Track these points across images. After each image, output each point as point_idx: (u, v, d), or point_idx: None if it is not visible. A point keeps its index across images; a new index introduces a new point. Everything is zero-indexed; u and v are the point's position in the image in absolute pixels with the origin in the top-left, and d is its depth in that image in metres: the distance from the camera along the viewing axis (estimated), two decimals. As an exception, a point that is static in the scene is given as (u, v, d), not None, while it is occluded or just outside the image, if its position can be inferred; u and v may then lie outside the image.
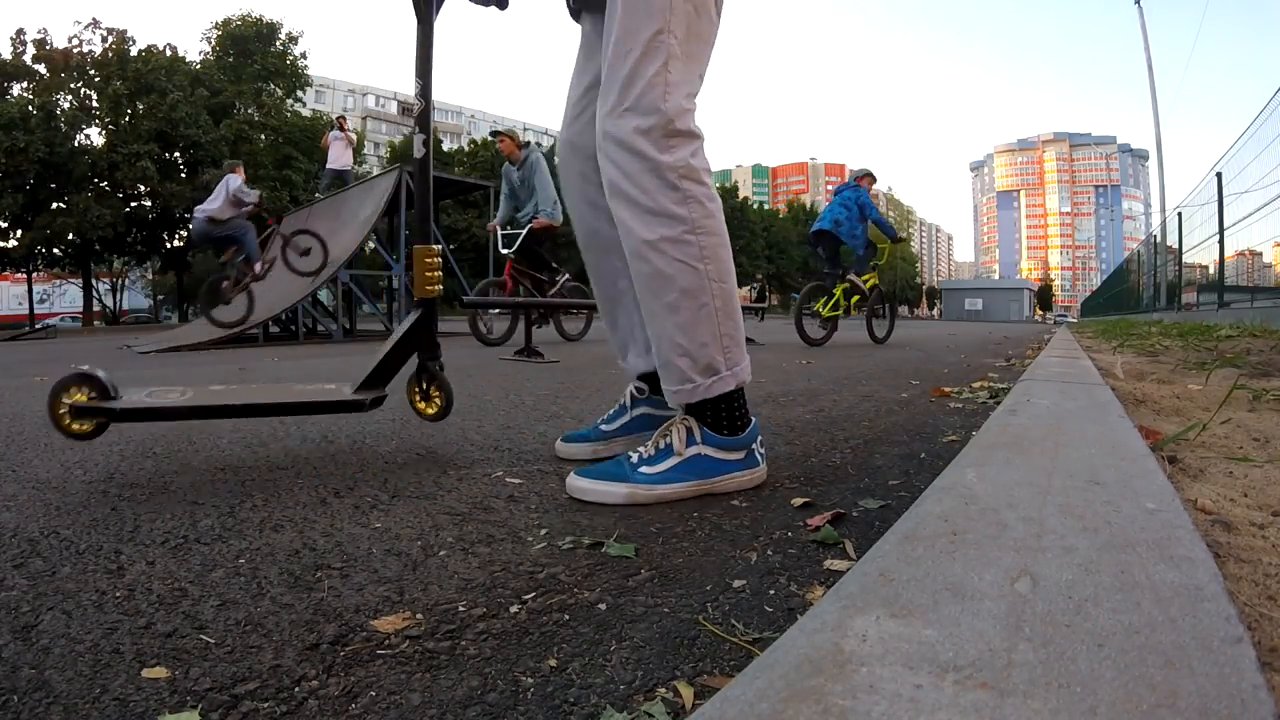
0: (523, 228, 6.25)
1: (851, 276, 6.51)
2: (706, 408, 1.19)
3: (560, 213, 6.11)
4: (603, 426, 1.40)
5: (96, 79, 22.72)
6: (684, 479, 1.17)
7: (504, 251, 6.26)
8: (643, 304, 1.20)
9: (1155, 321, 10.00)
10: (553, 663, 0.66)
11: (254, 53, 25.40)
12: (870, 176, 6.72)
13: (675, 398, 1.20)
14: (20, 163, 20.10)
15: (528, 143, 6.52)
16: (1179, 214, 11.49)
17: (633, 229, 1.14)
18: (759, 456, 1.24)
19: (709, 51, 1.18)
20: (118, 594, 0.82)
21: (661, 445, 1.19)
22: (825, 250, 6.57)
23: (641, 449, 1.21)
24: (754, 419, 1.24)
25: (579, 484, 1.19)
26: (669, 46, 1.08)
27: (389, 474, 1.39)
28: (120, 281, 36.48)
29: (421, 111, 1.37)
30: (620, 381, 3.12)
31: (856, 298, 6.50)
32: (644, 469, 1.17)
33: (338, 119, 11.80)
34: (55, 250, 23.81)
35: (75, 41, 22.93)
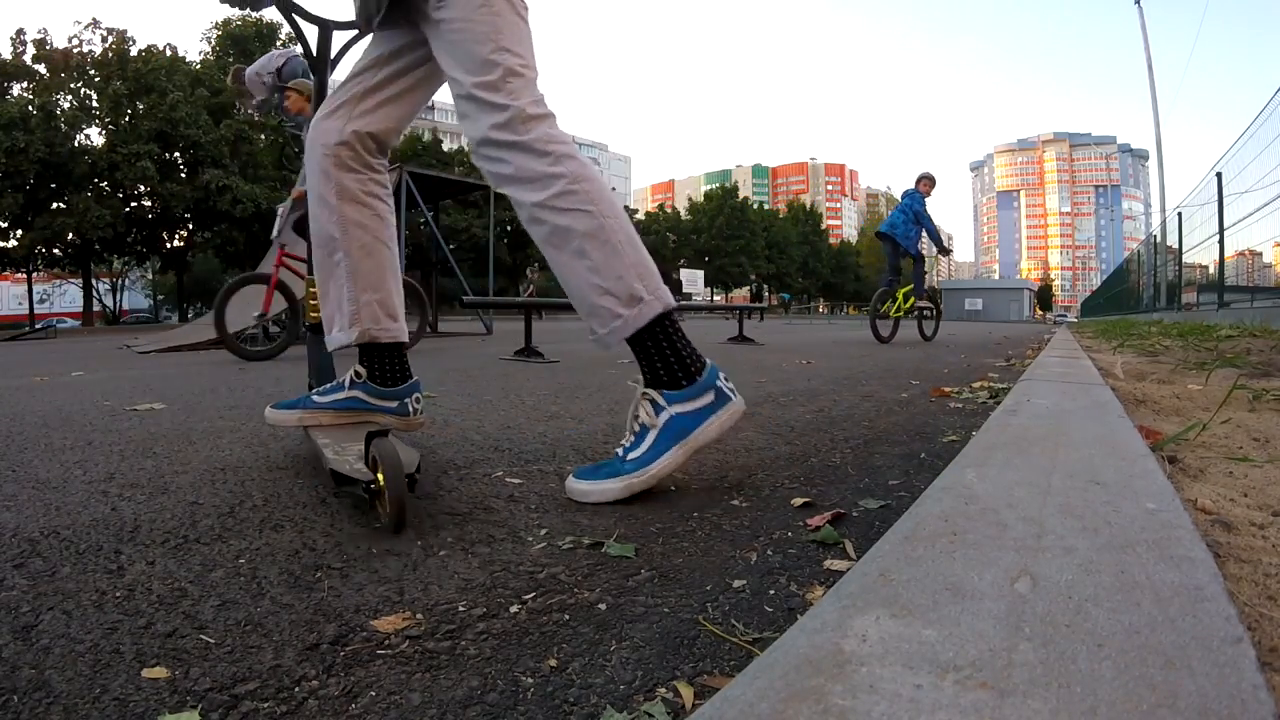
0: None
1: (920, 303, 7.27)
2: (658, 363, 1.20)
3: None
4: (315, 397, 1.38)
5: (96, 79, 22.74)
6: (668, 446, 1.18)
7: (273, 236, 4.87)
8: (554, 265, 1.23)
9: (1155, 321, 9.99)
10: (553, 663, 0.66)
11: (254, 53, 25.38)
12: (928, 180, 7.26)
13: (613, 337, 1.20)
14: (20, 163, 20.12)
15: None
16: (1179, 214, 11.49)
17: (523, 200, 1.21)
18: (729, 392, 1.22)
19: (530, 39, 1.28)
20: (118, 594, 0.82)
21: (636, 428, 1.21)
22: (888, 249, 7.21)
23: (624, 441, 1.22)
24: (707, 361, 1.23)
25: (578, 487, 1.20)
26: (505, 60, 1.20)
27: (389, 474, 1.39)
28: (120, 281, 36.52)
29: None
30: (620, 380, 3.12)
31: (912, 300, 7.21)
32: (630, 456, 1.18)
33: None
34: (55, 250, 23.83)
35: (75, 41, 22.96)
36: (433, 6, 1.22)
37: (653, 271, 1.21)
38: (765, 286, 53.42)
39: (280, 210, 4.76)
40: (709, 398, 1.20)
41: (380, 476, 1.04)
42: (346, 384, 1.35)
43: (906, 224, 7.06)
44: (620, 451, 1.21)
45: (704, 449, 1.19)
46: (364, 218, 1.34)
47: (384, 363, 1.36)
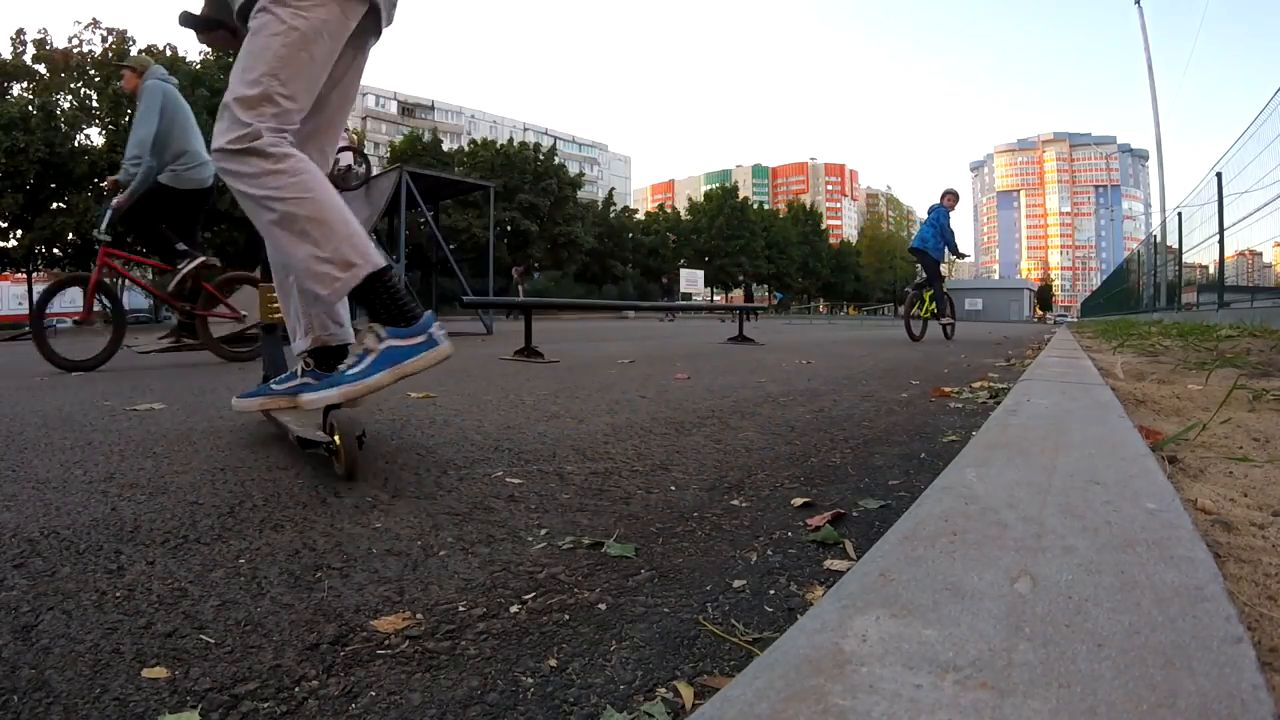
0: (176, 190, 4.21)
1: (946, 318, 8.06)
2: (380, 309, 1.41)
3: (149, 163, 4.10)
4: (274, 385, 1.64)
5: (96, 79, 22.73)
6: (383, 368, 1.39)
7: (97, 233, 4.31)
8: (278, 243, 1.41)
9: (1155, 321, 9.99)
10: (553, 663, 0.66)
11: (254, 53, 25.38)
12: (952, 195, 8.18)
13: (334, 296, 1.40)
14: (20, 163, 20.11)
15: (155, 66, 4.32)
16: (1179, 214, 11.48)
17: (250, 193, 1.38)
18: (439, 338, 1.44)
19: (314, 82, 1.47)
20: (118, 594, 0.82)
21: (359, 351, 1.43)
22: (921, 262, 8.16)
23: (349, 360, 1.44)
24: (425, 313, 1.46)
25: (305, 397, 1.40)
26: (270, 87, 1.39)
27: (389, 474, 1.40)
28: (120, 282, 36.51)
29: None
30: (620, 380, 3.13)
31: (935, 304, 8.02)
32: (350, 372, 1.40)
33: (338, 119, 11.84)
34: (55, 250, 23.82)
35: (75, 41, 22.95)
36: (251, 18, 1.43)
37: (364, 240, 1.43)
38: (764, 286, 53.30)
39: (112, 205, 4.25)
40: (422, 338, 1.43)
41: (337, 438, 1.35)
42: (299, 372, 1.60)
43: (935, 237, 7.96)
44: (344, 369, 1.42)
45: (414, 375, 1.41)
46: None
47: (328, 355, 1.62)
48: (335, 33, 1.45)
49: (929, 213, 8.21)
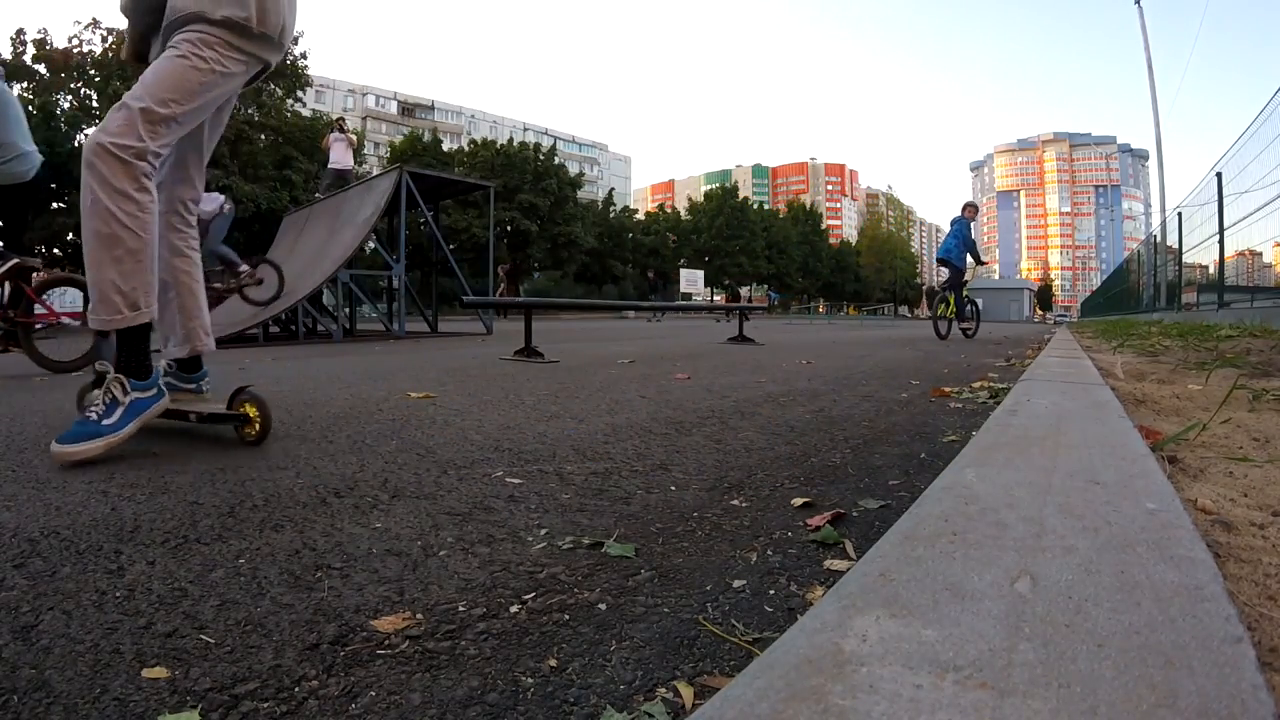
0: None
1: (965, 322, 8.74)
2: (131, 357, 1.62)
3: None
4: (142, 395, 1.76)
5: (96, 79, 22.73)
6: (132, 419, 1.58)
7: None
8: (92, 254, 1.53)
9: (1155, 321, 10.00)
10: (553, 663, 0.66)
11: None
12: (972, 207, 9.02)
13: (109, 324, 1.56)
14: (20, 163, 20.11)
15: None
16: (1179, 214, 11.47)
17: (99, 196, 1.48)
18: (164, 389, 1.70)
19: (202, 114, 1.63)
20: (118, 594, 0.82)
21: (109, 401, 1.57)
22: (947, 270, 8.91)
23: (95, 409, 1.56)
24: (154, 367, 1.68)
25: (63, 449, 1.45)
26: (175, 111, 1.53)
27: (389, 474, 1.39)
28: None
29: None
30: (620, 380, 3.13)
31: (956, 308, 8.74)
32: (105, 422, 1.53)
33: (338, 120, 11.91)
34: (55, 250, 23.82)
35: (75, 41, 22.94)
36: (174, 40, 1.56)
37: (152, 289, 1.61)
38: (763, 286, 53.24)
39: None
40: (155, 390, 1.66)
41: (251, 410, 1.69)
42: (160, 372, 1.76)
43: (959, 248, 8.78)
44: (94, 416, 1.53)
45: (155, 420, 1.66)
46: (187, 266, 1.82)
47: (191, 361, 1.88)
48: (236, 86, 1.66)
49: (951, 224, 9.03)
